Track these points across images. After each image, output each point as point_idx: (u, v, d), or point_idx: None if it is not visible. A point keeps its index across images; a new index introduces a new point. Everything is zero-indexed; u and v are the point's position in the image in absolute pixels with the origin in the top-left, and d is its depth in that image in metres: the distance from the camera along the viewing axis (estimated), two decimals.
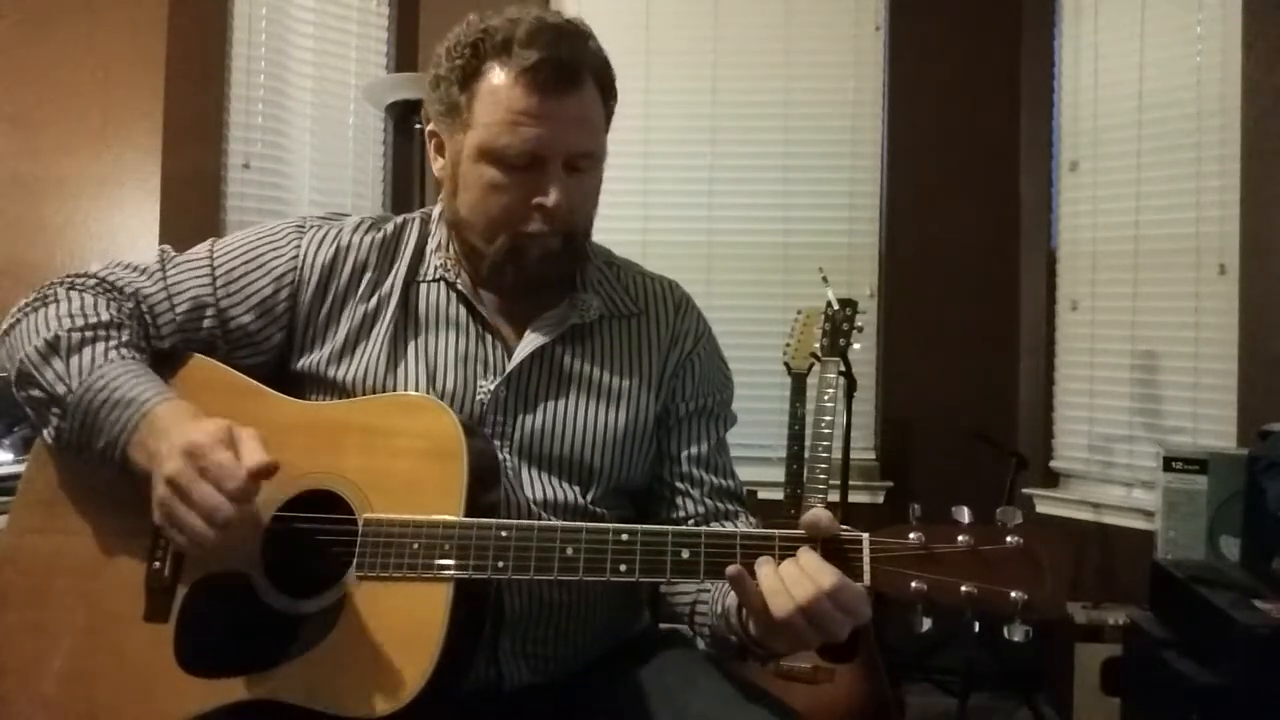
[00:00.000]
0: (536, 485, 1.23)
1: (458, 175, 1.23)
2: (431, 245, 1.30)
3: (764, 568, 1.03)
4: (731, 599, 1.13)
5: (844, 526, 1.05)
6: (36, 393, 1.13)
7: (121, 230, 2.80)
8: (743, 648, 1.15)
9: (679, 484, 1.31)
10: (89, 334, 1.14)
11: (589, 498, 1.25)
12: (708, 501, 1.30)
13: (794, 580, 1.01)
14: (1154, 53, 3.01)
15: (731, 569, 1.03)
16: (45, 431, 1.14)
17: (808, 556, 1.03)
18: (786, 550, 1.04)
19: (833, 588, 0.99)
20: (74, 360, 1.12)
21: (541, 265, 1.22)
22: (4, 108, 2.76)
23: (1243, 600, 1.96)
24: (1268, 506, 2.18)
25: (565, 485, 1.24)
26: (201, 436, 1.02)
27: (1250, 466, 2.31)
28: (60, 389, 1.11)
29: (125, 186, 2.81)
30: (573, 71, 1.17)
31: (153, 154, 2.81)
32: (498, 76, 1.17)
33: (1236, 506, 2.39)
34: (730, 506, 1.32)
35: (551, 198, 1.18)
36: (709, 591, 1.21)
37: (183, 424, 1.06)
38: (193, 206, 2.87)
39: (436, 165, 1.28)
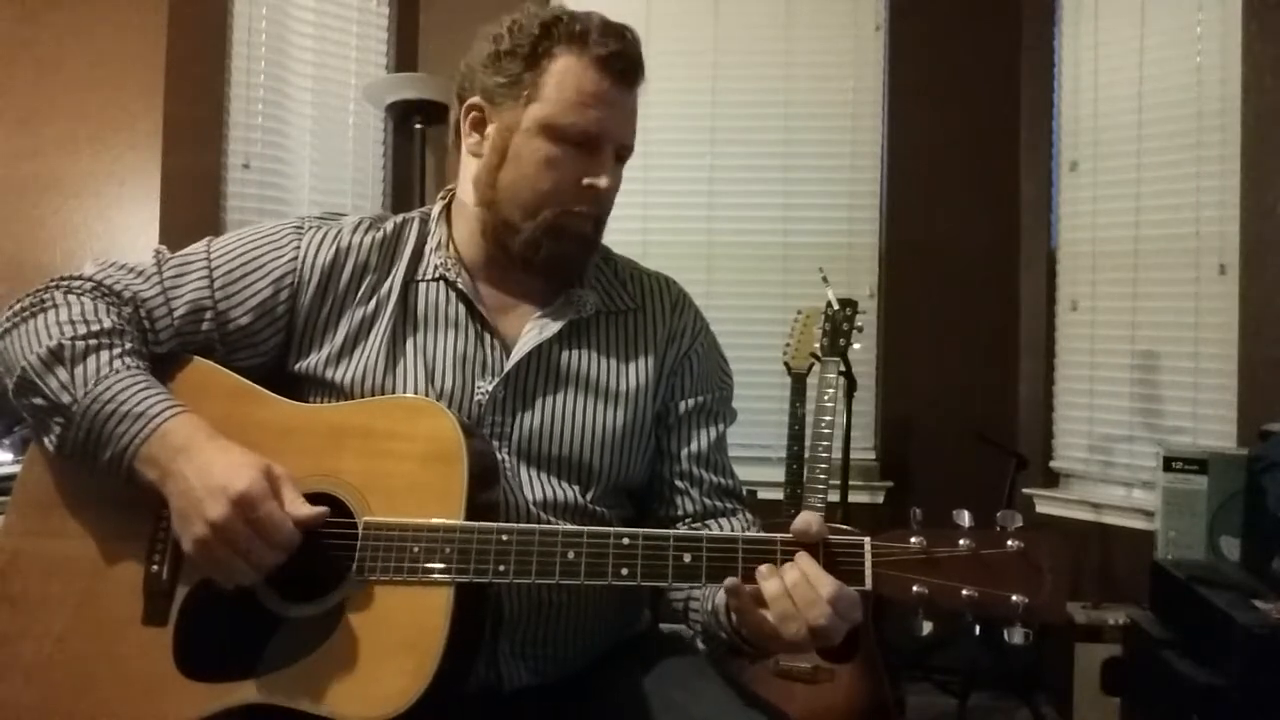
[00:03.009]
0: (536, 485, 1.23)
1: (508, 148, 1.23)
2: (431, 244, 1.29)
3: (768, 582, 1.03)
4: (721, 597, 1.13)
5: (844, 527, 1.05)
6: (39, 401, 1.13)
7: (121, 230, 2.81)
8: (733, 645, 1.15)
9: (678, 482, 1.31)
10: (92, 342, 1.14)
11: (589, 497, 1.25)
12: (706, 500, 1.30)
13: (798, 591, 1.01)
14: (1154, 53, 3.01)
15: (729, 582, 1.04)
16: (47, 439, 1.14)
17: (809, 564, 1.03)
18: (788, 555, 1.04)
19: (832, 597, 1.00)
20: (78, 370, 1.12)
21: (575, 245, 1.25)
22: (4, 108, 2.75)
23: (1243, 600, 1.96)
24: (1268, 506, 2.18)
25: (565, 485, 1.24)
26: (248, 486, 1.04)
27: (1250, 466, 2.31)
28: (65, 399, 1.11)
29: (125, 186, 2.81)
30: (638, 70, 1.24)
31: (153, 154, 2.81)
32: (573, 58, 1.21)
33: (1236, 506, 2.39)
34: (728, 504, 1.32)
35: (604, 180, 1.22)
36: (701, 588, 1.21)
37: (205, 449, 1.08)
38: (193, 206, 2.87)
39: (470, 140, 1.28)
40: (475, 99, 1.26)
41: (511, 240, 1.25)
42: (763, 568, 1.04)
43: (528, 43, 1.22)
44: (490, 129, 1.26)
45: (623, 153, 1.26)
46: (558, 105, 1.21)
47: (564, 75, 1.21)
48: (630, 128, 1.26)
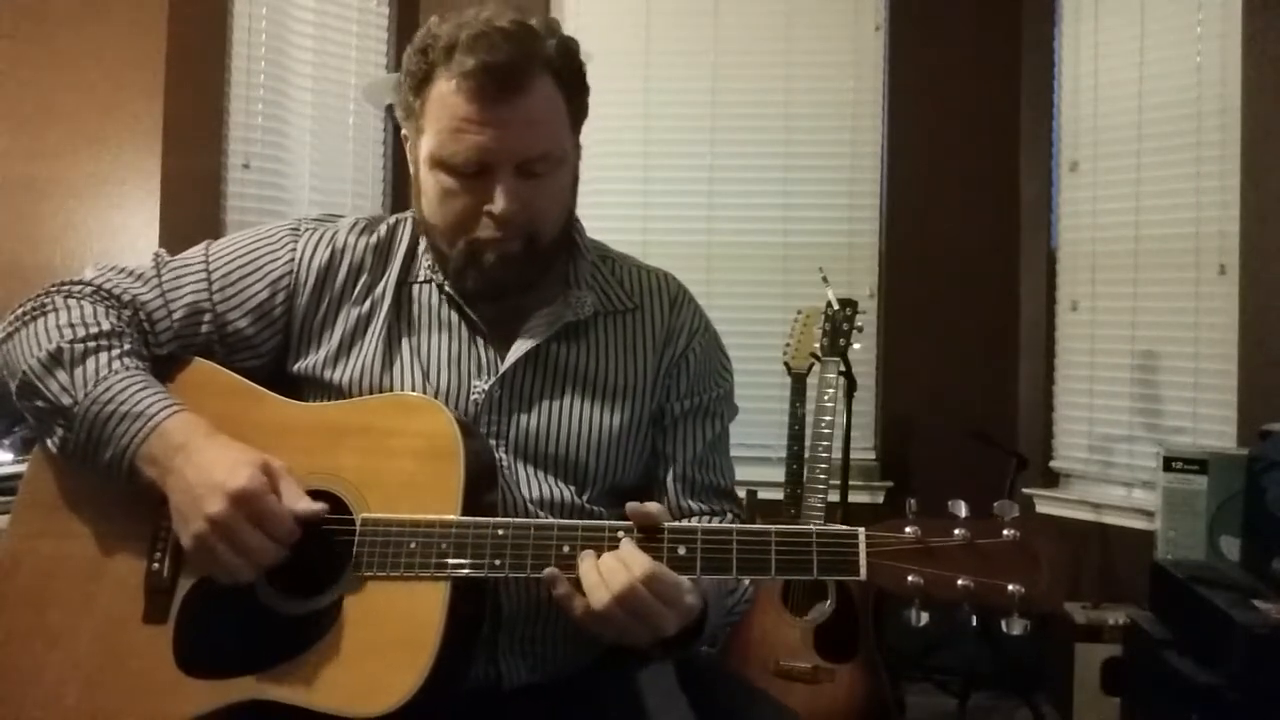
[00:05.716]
0: (533, 484, 1.23)
1: (420, 180, 1.22)
2: (422, 246, 1.29)
3: (585, 562, 1.05)
4: None
5: (842, 528, 1.05)
6: (41, 403, 1.13)
7: (121, 230, 2.80)
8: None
9: (671, 484, 1.30)
10: (91, 344, 1.15)
11: (584, 497, 1.25)
12: (695, 503, 1.30)
13: (610, 571, 1.03)
14: (1154, 52, 3.01)
15: (547, 571, 1.05)
16: (49, 441, 1.14)
17: (625, 545, 1.05)
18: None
19: (645, 575, 1.01)
20: (78, 371, 1.12)
21: (501, 269, 1.19)
22: (4, 108, 2.76)
23: (1243, 600, 1.95)
24: (1268, 506, 2.18)
25: (561, 485, 1.24)
26: (247, 482, 1.05)
27: (1250, 466, 2.30)
28: (66, 400, 1.12)
29: (125, 186, 2.81)
30: (516, 76, 1.13)
31: (153, 154, 2.80)
32: (442, 83, 1.15)
33: (1236, 506, 2.39)
34: (719, 506, 1.31)
35: (499, 205, 1.15)
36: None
37: (204, 446, 1.08)
38: (193, 206, 2.87)
39: (411, 169, 1.26)
40: (403, 129, 1.25)
41: (447, 269, 1.23)
42: (583, 554, 1.05)
43: (413, 71, 1.18)
44: (412, 157, 1.24)
45: (533, 165, 1.16)
46: (437, 137, 1.15)
47: (438, 102, 1.15)
48: (526, 138, 1.15)
